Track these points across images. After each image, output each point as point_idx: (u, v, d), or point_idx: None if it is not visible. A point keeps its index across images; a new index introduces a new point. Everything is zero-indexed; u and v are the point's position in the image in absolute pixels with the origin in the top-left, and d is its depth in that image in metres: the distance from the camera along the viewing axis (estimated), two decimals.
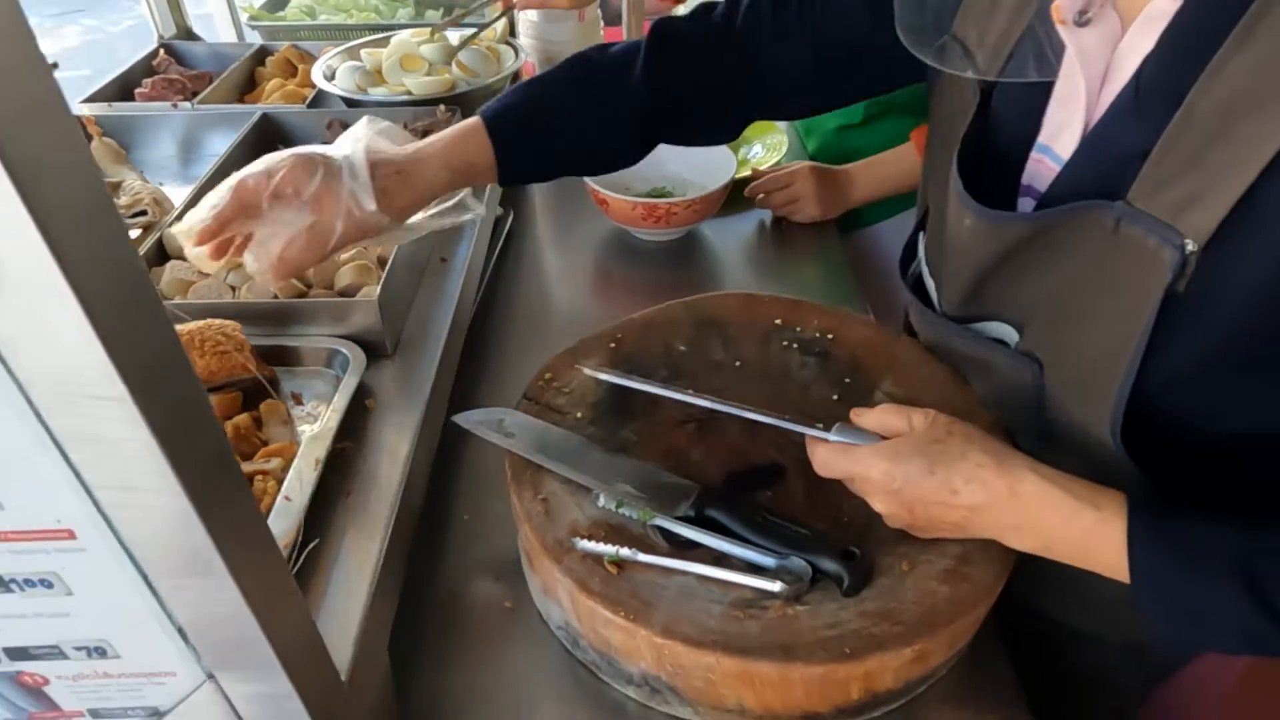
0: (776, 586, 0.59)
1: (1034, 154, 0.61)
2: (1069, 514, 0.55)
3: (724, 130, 0.85)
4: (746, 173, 1.26)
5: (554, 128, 0.76)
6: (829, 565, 0.59)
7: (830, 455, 0.62)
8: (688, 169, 1.23)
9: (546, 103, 0.76)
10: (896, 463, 0.59)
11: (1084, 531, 0.55)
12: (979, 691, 0.64)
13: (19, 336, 0.29)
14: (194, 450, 0.34)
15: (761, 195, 1.22)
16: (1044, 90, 0.59)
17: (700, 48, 0.77)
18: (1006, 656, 0.67)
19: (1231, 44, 0.46)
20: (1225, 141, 0.47)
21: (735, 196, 1.27)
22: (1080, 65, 0.55)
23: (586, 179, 1.15)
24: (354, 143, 0.70)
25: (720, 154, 1.20)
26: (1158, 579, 0.53)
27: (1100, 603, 0.67)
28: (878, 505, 0.61)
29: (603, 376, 0.76)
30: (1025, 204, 0.62)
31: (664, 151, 1.26)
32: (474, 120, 0.75)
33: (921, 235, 0.77)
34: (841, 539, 0.62)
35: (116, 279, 0.30)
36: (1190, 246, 0.49)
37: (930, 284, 0.72)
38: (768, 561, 0.61)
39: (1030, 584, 0.65)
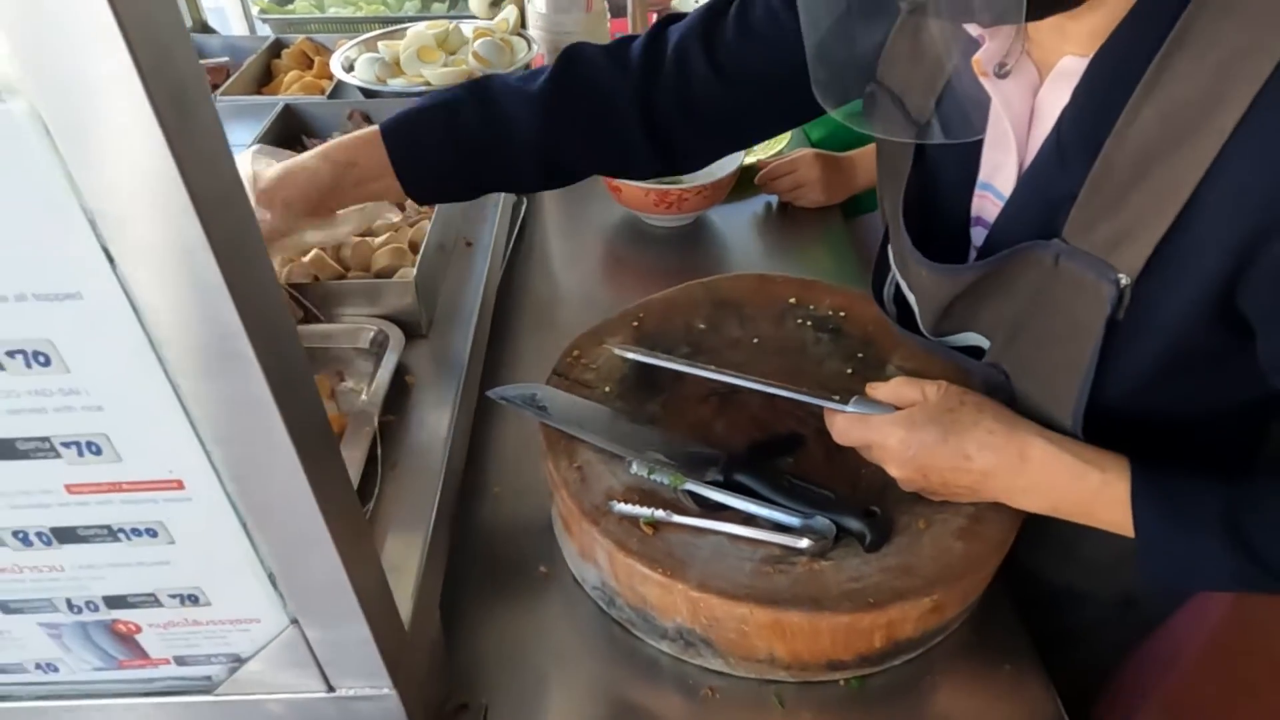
0: (804, 543, 0.63)
1: (978, 190, 0.65)
2: (1076, 476, 0.59)
3: (623, 170, 0.84)
4: (754, 160, 1.30)
5: (448, 141, 0.72)
6: (851, 523, 0.63)
7: (848, 425, 0.66)
8: None
9: (441, 116, 0.72)
10: (912, 430, 0.62)
11: (1090, 492, 0.59)
12: (989, 644, 0.69)
13: (158, 301, 0.32)
14: (298, 405, 0.37)
15: (768, 181, 1.25)
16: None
17: (601, 89, 0.74)
18: (1014, 611, 0.71)
19: (1139, 97, 0.50)
20: (1143, 186, 0.51)
21: (741, 183, 1.31)
22: (1005, 113, 0.58)
23: None
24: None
25: None
26: (1159, 534, 0.58)
27: (1098, 562, 0.71)
28: (894, 471, 0.64)
29: (630, 355, 0.80)
30: (978, 233, 0.66)
31: None
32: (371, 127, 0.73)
33: (890, 252, 0.78)
34: (862, 500, 0.66)
35: (244, 250, 0.33)
36: (1124, 280, 0.53)
37: (911, 297, 0.75)
38: (793, 521, 0.65)
39: (1028, 547, 0.69)
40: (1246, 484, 0.56)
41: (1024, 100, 0.59)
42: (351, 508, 0.45)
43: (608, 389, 0.79)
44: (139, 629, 0.48)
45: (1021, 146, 0.60)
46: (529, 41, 1.31)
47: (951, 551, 0.63)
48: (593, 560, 0.68)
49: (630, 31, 1.57)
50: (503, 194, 1.04)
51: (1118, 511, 0.59)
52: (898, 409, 0.65)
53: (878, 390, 0.67)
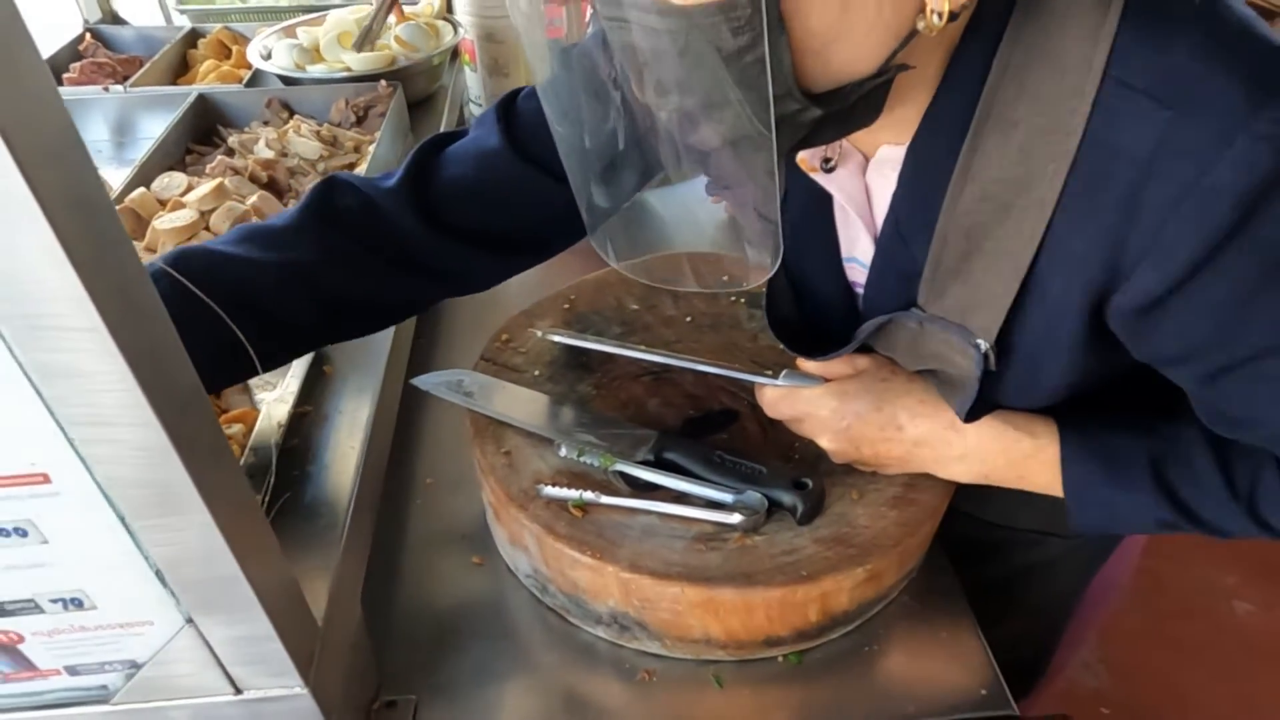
0: (735, 519, 0.61)
1: (845, 262, 0.64)
2: (1008, 443, 0.59)
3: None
4: None
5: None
6: (783, 496, 0.62)
7: (779, 398, 0.65)
8: None
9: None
10: (845, 401, 0.62)
11: (1022, 457, 0.59)
12: (928, 611, 0.68)
13: None
14: (167, 383, 0.35)
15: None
16: (826, 216, 0.61)
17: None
18: (952, 572, 0.71)
19: (958, 178, 0.49)
20: (980, 259, 0.51)
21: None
22: (843, 199, 0.58)
23: None
24: None
25: None
26: (1088, 492, 0.58)
27: (1049, 503, 0.72)
28: (825, 443, 0.64)
29: (556, 338, 0.78)
30: (860, 295, 0.64)
31: None
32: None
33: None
34: (796, 474, 0.65)
35: (85, 209, 0.30)
36: (984, 345, 0.53)
37: None
38: (725, 498, 0.63)
39: (978, 497, 0.69)
40: (1169, 433, 0.57)
41: (857, 182, 0.58)
42: (243, 498, 0.42)
43: (537, 372, 0.77)
44: (21, 638, 0.45)
45: (869, 223, 0.59)
46: (455, 25, 1.28)
47: (885, 519, 0.63)
48: (522, 547, 0.66)
49: (563, 16, 1.55)
50: None
51: (1048, 474, 0.59)
52: (828, 382, 0.64)
53: (808, 364, 0.67)
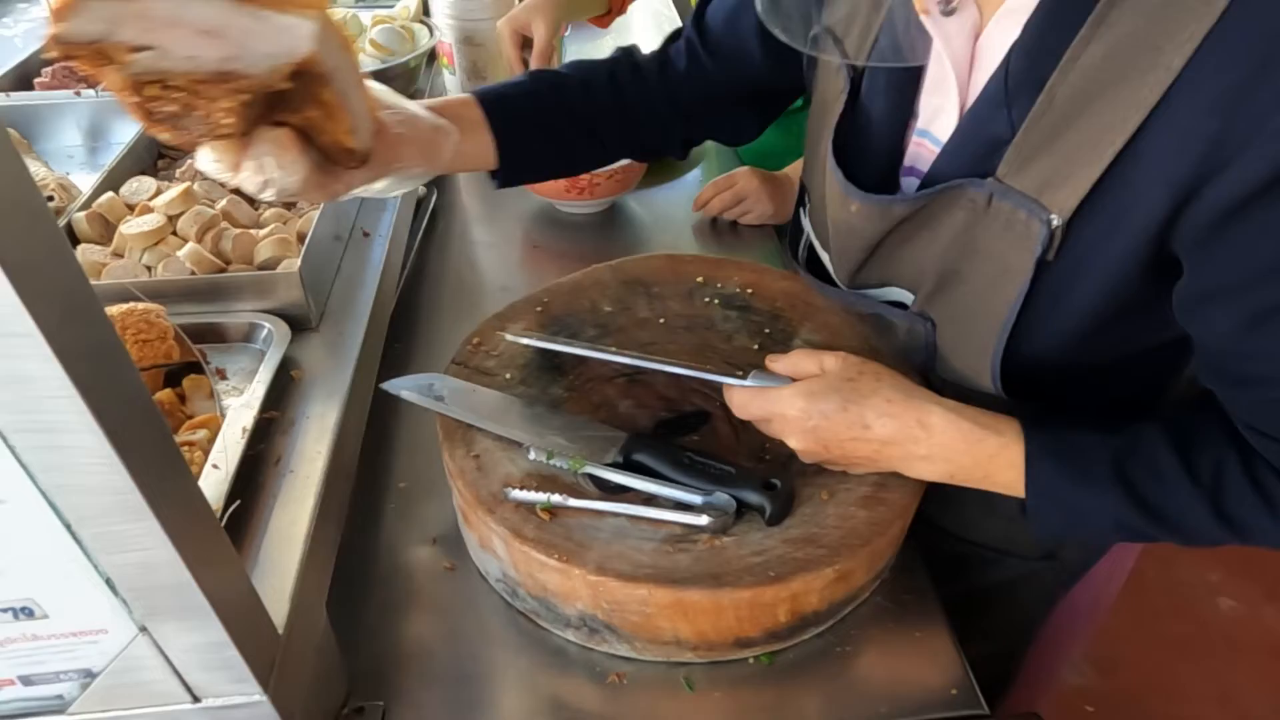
0: (703, 520, 0.61)
1: (915, 138, 0.64)
2: (974, 442, 0.59)
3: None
4: None
5: (542, 121, 0.78)
6: (752, 497, 0.62)
7: (747, 398, 0.65)
8: None
9: (538, 95, 0.78)
10: (812, 401, 0.61)
11: (987, 456, 0.59)
12: (901, 611, 0.68)
13: None
14: (110, 390, 0.34)
15: (706, 202, 1.20)
16: (914, 77, 0.63)
17: (646, 82, 0.82)
18: (926, 575, 0.71)
19: (1086, 33, 0.50)
20: (1083, 124, 0.51)
21: (657, 167, 1.29)
22: (946, 54, 0.58)
23: None
24: None
25: None
26: (1051, 492, 0.58)
27: (1009, 516, 0.72)
28: (794, 443, 0.63)
29: (525, 341, 0.77)
30: (909, 183, 0.65)
31: None
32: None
33: (803, 212, 0.80)
34: (767, 474, 0.65)
35: (19, 213, 0.30)
36: (1055, 221, 0.53)
37: (824, 256, 0.76)
38: (694, 499, 0.63)
39: (946, 506, 0.69)
40: (1133, 431, 0.57)
41: (965, 42, 0.58)
42: (195, 505, 0.42)
43: (509, 375, 0.76)
44: None
45: (963, 89, 0.59)
46: (430, 28, 1.27)
47: (854, 519, 0.62)
48: (491, 550, 0.65)
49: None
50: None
51: (1012, 473, 0.59)
52: (795, 382, 0.64)
53: (776, 363, 0.66)
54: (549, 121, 0.78)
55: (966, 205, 0.58)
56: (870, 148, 0.66)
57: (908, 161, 0.65)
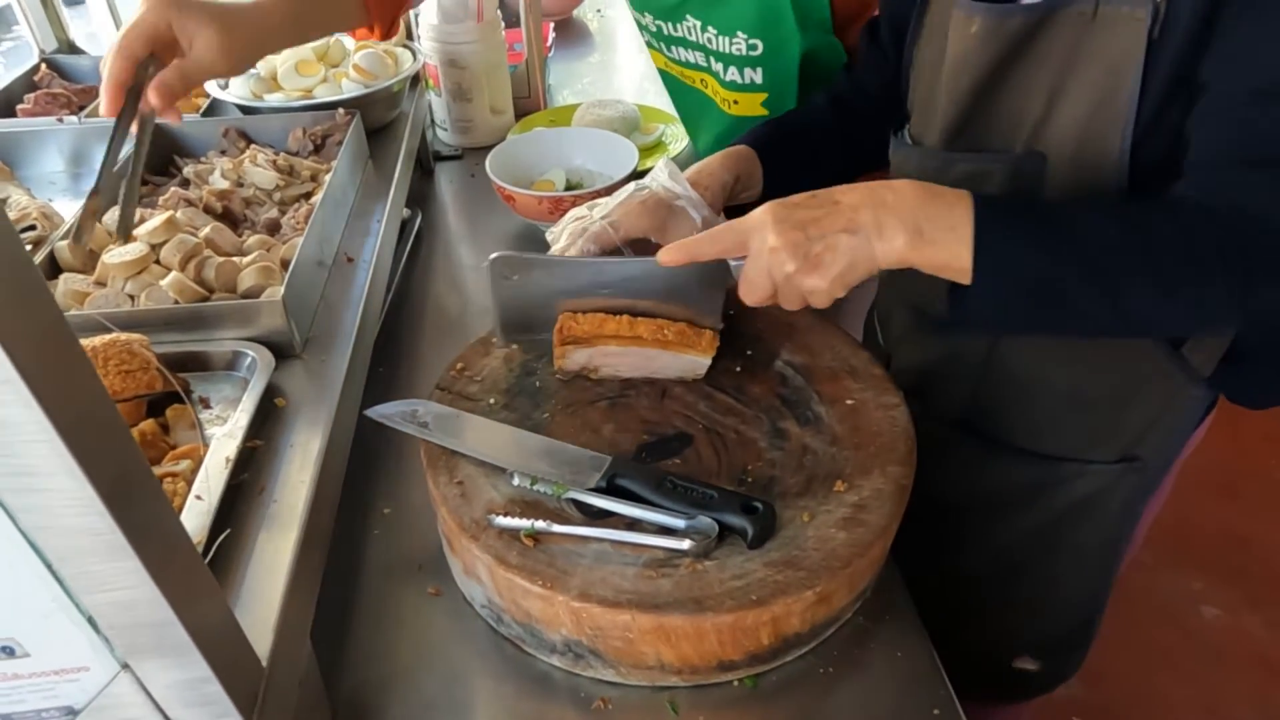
0: (686, 545, 0.62)
1: None
2: (933, 195, 0.63)
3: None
4: (649, 163, 1.29)
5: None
6: (734, 520, 0.63)
7: (723, 230, 0.69)
8: (592, 161, 1.26)
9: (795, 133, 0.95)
10: (783, 203, 0.66)
11: (946, 207, 0.62)
12: (883, 631, 0.69)
13: None
14: (89, 430, 0.34)
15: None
16: None
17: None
18: (907, 595, 0.71)
19: None
20: None
21: None
22: None
23: (491, 175, 1.17)
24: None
25: (622, 146, 1.22)
26: (993, 229, 0.61)
27: (1092, 405, 0.80)
28: (773, 239, 0.64)
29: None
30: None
31: (569, 146, 1.29)
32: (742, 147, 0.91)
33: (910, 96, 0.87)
34: (746, 497, 0.65)
35: None
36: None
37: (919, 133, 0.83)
38: (677, 523, 0.63)
39: (1013, 416, 0.77)
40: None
41: None
42: (176, 541, 0.42)
43: (493, 400, 0.77)
44: None
45: None
46: (414, 53, 1.28)
47: (835, 540, 0.63)
48: (476, 577, 0.66)
49: (524, 41, 1.56)
50: (387, 207, 1.02)
51: (965, 228, 0.61)
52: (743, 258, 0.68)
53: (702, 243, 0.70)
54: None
55: (1075, 19, 0.64)
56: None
57: None
